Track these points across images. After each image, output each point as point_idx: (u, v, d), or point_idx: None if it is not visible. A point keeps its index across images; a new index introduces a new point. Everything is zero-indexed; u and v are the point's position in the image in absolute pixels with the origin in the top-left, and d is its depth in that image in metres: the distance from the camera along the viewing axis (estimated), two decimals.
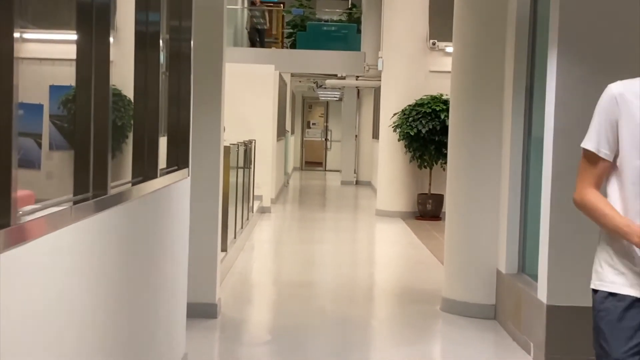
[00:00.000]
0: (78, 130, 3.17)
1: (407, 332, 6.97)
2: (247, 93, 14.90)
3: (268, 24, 24.02)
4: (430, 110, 14.60)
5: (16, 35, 2.27)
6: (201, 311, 6.77)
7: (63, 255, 2.79)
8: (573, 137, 5.51)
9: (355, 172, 24.54)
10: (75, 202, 3.04)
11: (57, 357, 2.75)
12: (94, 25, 3.18)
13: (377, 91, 21.71)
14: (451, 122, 7.54)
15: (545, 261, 5.64)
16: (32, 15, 3.11)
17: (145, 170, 4.21)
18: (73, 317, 2.91)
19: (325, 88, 26.65)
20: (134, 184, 3.99)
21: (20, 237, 2.33)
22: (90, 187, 3.17)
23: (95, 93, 3.18)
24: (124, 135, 5.45)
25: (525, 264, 6.76)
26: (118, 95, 5.91)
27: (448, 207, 7.58)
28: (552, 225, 5.56)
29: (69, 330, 2.87)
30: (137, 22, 4.30)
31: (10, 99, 2.26)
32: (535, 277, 6.36)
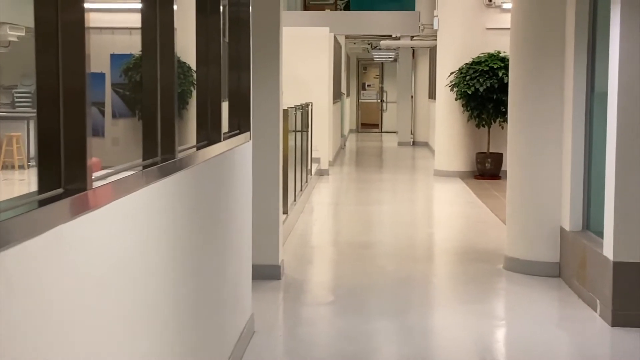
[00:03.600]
0: (145, 96, 3.22)
1: (470, 290, 6.97)
2: (303, 56, 14.89)
3: None
4: (487, 68, 14.44)
5: (87, 5, 2.31)
6: (265, 273, 6.86)
7: (135, 218, 2.86)
8: (638, 91, 5.44)
9: (412, 133, 24.43)
10: (144, 167, 3.10)
11: (132, 320, 2.83)
12: None
13: (432, 51, 21.51)
14: (511, 79, 7.45)
15: (611, 218, 5.58)
16: None
17: (209, 134, 4.27)
18: (145, 280, 2.99)
19: (380, 49, 26.49)
20: (198, 148, 4.05)
21: (94, 201, 2.39)
22: (159, 152, 3.23)
23: (161, 60, 3.23)
24: (184, 102, 5.51)
25: (590, 221, 6.70)
26: (178, 62, 5.97)
27: (509, 164, 7.53)
28: (618, 181, 5.50)
29: (142, 293, 2.95)
30: None
31: (83, 69, 2.31)
32: (600, 234, 6.30)
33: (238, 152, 5.04)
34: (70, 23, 2.28)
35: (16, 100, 7.41)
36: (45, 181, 2.28)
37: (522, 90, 7.29)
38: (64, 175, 2.29)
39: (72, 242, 2.24)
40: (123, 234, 2.70)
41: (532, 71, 7.16)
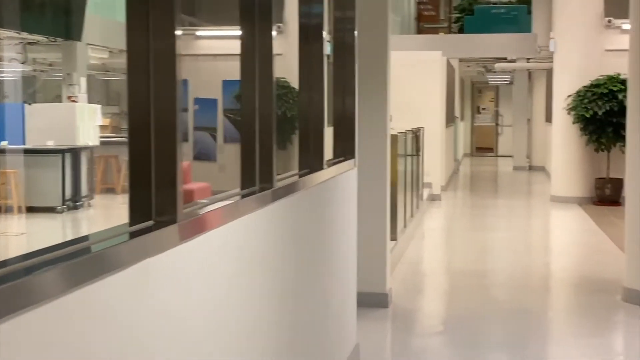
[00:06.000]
0: (244, 124, 3.19)
1: (587, 323, 6.67)
2: (415, 80, 14.77)
3: (435, 10, 23.74)
4: (607, 91, 13.96)
5: (178, 32, 2.28)
6: (372, 301, 6.75)
7: (231, 248, 2.81)
8: None
9: (528, 157, 23.88)
10: (243, 196, 3.05)
11: (231, 350, 2.77)
12: (256, 20, 3.18)
13: (549, 73, 20.99)
14: (630, 102, 7.13)
15: None
16: (205, 12, 3.15)
17: (310, 162, 4.21)
18: (243, 312, 2.93)
19: (494, 72, 26.06)
20: (300, 176, 4.00)
21: (183, 234, 2.34)
22: (257, 181, 3.19)
23: (259, 87, 3.19)
24: (294, 126, 5.43)
25: None
26: (287, 87, 5.90)
27: (628, 190, 7.18)
28: None
29: (240, 323, 2.89)
30: (301, 15, 4.30)
31: (174, 96, 2.27)
32: None
33: (342, 179, 4.96)
34: (161, 50, 2.24)
35: None
36: (136, 212, 2.25)
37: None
38: (154, 206, 2.26)
39: (158, 276, 2.19)
40: (217, 266, 2.65)
41: None
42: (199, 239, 2.45)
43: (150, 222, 2.24)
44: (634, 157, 7.09)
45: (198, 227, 2.45)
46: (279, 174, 3.59)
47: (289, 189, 3.57)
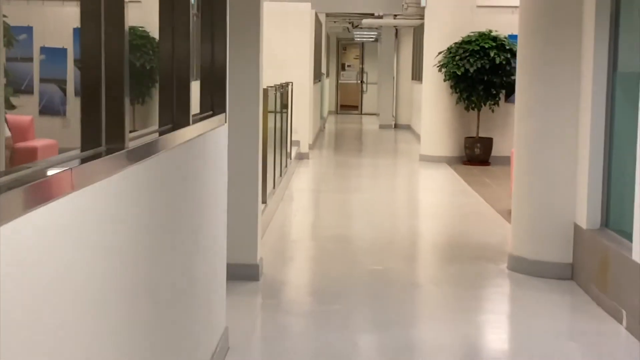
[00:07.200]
0: (84, 75, 2.42)
1: (469, 295, 6.22)
2: (283, 33, 14.06)
3: None
4: (478, 48, 13.65)
5: None
6: (242, 273, 6.08)
7: (67, 228, 2.05)
8: None
9: (393, 116, 23.65)
10: (83, 160, 2.28)
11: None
12: None
13: (417, 30, 20.70)
14: (520, 58, 6.64)
15: None
16: None
17: (174, 117, 3.44)
18: (83, 302, 2.18)
19: (361, 28, 25.64)
20: (161, 134, 3.23)
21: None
22: (103, 141, 2.42)
23: (106, 33, 2.42)
24: (154, 80, 4.71)
25: (610, 218, 5.94)
26: (147, 38, 5.12)
27: (517, 151, 6.72)
28: None
29: (79, 315, 2.15)
30: None
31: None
32: (623, 233, 5.56)
33: (211, 136, 4.22)
34: None
35: None
36: None
37: (531, 70, 6.49)
38: None
39: None
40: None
41: (544, 46, 6.36)
42: (17, 221, 1.69)
43: None
44: (522, 118, 6.61)
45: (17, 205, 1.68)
46: (135, 131, 2.82)
47: (147, 150, 2.80)
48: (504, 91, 13.91)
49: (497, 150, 14.10)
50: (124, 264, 2.61)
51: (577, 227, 6.19)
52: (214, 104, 4.51)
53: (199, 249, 4.04)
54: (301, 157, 14.32)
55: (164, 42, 3.47)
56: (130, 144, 2.56)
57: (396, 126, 23.09)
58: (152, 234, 2.99)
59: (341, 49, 32.25)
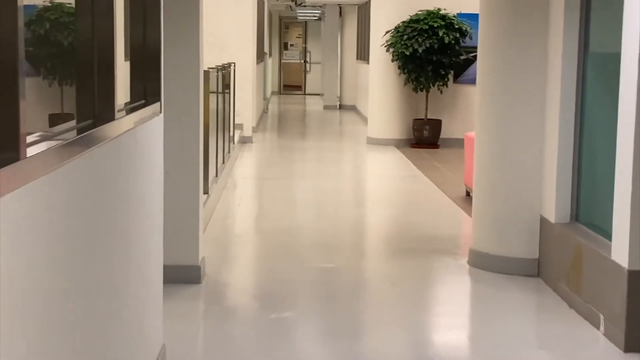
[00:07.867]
0: None
1: (428, 296, 5.76)
2: (224, 11, 13.42)
3: None
4: (427, 27, 13.19)
5: None
6: (182, 276, 5.53)
7: None
8: None
9: (338, 96, 23.14)
10: None
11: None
12: None
13: (361, 9, 20.19)
14: (481, 37, 6.17)
15: (625, 216, 4.37)
16: None
17: (95, 109, 2.87)
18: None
19: (304, 6, 25.03)
20: (80, 131, 2.67)
21: None
22: None
23: None
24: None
25: (580, 211, 5.52)
26: (63, 10, 4.52)
27: (478, 138, 6.25)
28: (636, 171, 4.29)
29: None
30: None
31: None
32: (596, 228, 5.14)
33: (143, 130, 3.66)
34: None
35: None
36: None
37: (494, 51, 6.02)
38: None
39: None
40: None
41: (508, 27, 5.89)
42: None
43: None
44: (484, 103, 6.15)
45: None
46: (32, 133, 2.25)
47: (55, 158, 2.24)
48: (452, 72, 13.51)
49: (445, 132, 13.71)
50: (45, 270, 2.05)
51: (544, 221, 5.76)
52: (147, 92, 3.93)
53: (130, 258, 3.49)
54: (244, 140, 13.75)
55: (81, 19, 2.89)
56: (31, 151, 1.99)
57: (341, 107, 22.60)
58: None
59: (284, 27, 31.59)
